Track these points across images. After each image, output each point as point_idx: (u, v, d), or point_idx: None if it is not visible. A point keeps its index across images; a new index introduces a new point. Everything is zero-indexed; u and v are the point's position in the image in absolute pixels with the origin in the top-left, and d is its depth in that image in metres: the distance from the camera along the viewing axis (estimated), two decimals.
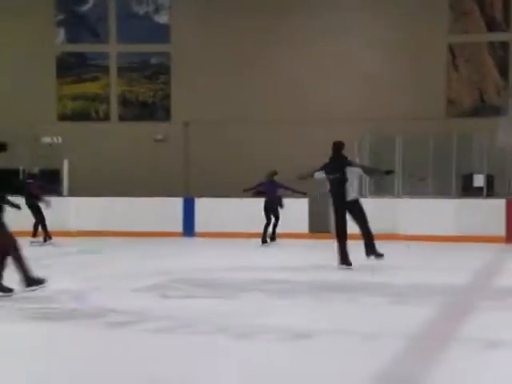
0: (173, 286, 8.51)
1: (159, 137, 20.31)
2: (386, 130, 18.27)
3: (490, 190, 17.98)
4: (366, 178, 16.57)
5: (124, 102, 21.15)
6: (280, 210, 16.26)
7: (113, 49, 21.09)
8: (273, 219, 15.42)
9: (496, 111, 18.80)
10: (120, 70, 21.08)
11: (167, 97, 20.92)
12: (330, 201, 10.59)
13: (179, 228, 17.73)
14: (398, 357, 4.79)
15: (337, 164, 10.35)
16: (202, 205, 17.73)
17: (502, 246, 15.38)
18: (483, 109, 19.25)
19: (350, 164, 10.41)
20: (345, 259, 10.21)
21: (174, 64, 20.83)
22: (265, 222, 15.19)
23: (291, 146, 19.33)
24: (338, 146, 10.51)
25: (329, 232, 17.91)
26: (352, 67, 19.43)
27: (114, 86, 21.11)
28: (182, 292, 8.02)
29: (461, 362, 4.63)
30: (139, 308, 6.78)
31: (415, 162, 18.30)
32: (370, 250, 10.33)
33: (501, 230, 16.22)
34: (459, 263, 11.61)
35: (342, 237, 10.30)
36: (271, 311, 6.69)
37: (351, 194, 10.24)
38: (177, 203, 17.83)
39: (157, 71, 21.11)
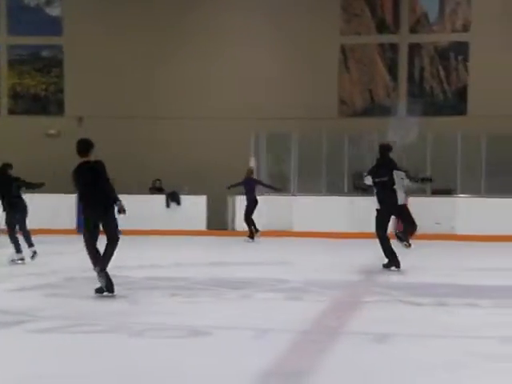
0: (66, 284, 8.36)
1: (52, 131, 19.79)
2: (282, 129, 18.58)
3: None
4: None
5: (14, 95, 20.50)
6: (177, 206, 16.29)
7: (3, 41, 20.39)
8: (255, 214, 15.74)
9: (386, 111, 19.44)
10: (10, 62, 20.42)
11: (60, 91, 20.43)
12: (375, 203, 9.91)
13: (73, 225, 17.38)
14: (288, 351, 4.92)
15: (384, 167, 9.89)
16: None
17: (393, 242, 15.94)
18: (373, 109, 19.90)
19: (397, 167, 9.93)
20: (396, 261, 9.77)
21: (66, 57, 20.36)
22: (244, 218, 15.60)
23: (188, 143, 19.33)
24: (384, 149, 10.01)
25: (226, 229, 18.10)
26: (248, 67, 19.63)
27: (4, 79, 20.41)
28: (75, 291, 7.89)
29: (349, 356, 4.80)
30: (29, 307, 6.64)
31: (310, 160, 18.70)
32: (404, 236, 9.96)
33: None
34: (351, 259, 11.97)
35: (385, 238, 9.88)
36: (166, 309, 6.69)
37: (400, 197, 9.83)
38: (71, 200, 17.44)
39: (48, 64, 20.58)
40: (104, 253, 7.29)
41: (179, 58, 19.94)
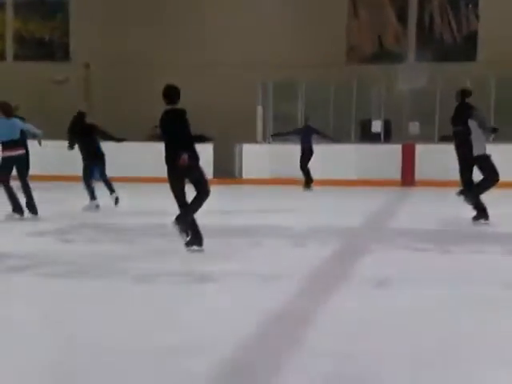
0: (75, 230, 8.44)
1: (59, 78, 19.67)
2: (289, 76, 18.41)
3: (387, 136, 18.58)
4: None
5: (20, 40, 20.33)
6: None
7: None
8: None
9: (395, 58, 19.21)
10: (16, 6, 20.20)
11: (66, 35, 20.24)
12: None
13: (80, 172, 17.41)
14: (292, 296, 4.98)
15: (459, 115, 9.13)
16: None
17: (398, 189, 16.00)
18: (382, 55, 19.64)
19: (473, 115, 9.01)
20: (485, 214, 9.06)
21: (72, 1, 20.13)
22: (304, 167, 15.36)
23: (194, 91, 19.16)
24: (461, 95, 9.22)
25: (234, 177, 18.11)
26: (255, 14, 19.35)
27: (9, 24, 20.24)
28: (84, 236, 7.97)
29: (353, 301, 4.86)
30: (37, 252, 6.72)
31: (317, 107, 18.60)
32: (471, 194, 9.08)
33: (397, 174, 16.83)
34: (357, 206, 12.01)
35: (468, 190, 9.06)
36: (175, 255, 6.75)
37: (478, 148, 8.97)
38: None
39: (54, 9, 20.35)
40: (189, 205, 6.95)
41: (186, 6, 19.67)
